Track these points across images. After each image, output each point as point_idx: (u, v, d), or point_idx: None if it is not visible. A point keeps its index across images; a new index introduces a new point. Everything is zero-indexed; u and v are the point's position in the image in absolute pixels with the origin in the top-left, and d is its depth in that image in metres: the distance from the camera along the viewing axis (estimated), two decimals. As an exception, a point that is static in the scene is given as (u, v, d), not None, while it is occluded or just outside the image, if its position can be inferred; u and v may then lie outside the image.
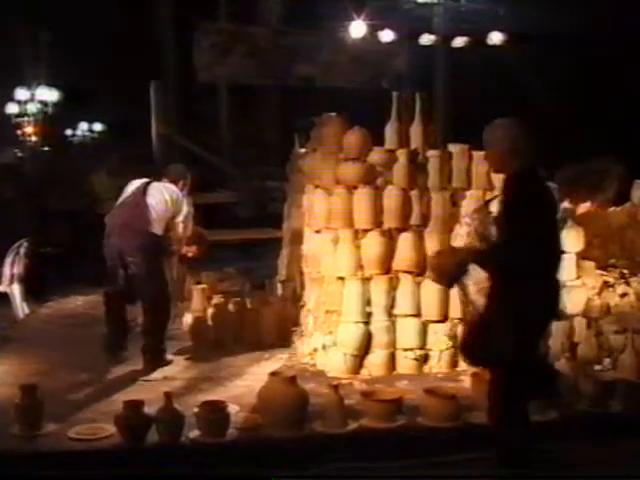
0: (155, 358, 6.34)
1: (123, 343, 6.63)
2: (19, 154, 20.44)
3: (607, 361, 6.24)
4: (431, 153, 6.61)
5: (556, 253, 4.29)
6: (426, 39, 15.30)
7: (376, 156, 6.53)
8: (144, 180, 6.65)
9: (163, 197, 6.48)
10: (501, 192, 4.31)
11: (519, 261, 3.99)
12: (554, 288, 4.26)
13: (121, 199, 6.67)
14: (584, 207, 6.99)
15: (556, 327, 6.27)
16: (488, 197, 5.80)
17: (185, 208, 6.64)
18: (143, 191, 6.49)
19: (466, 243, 5.21)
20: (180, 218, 6.60)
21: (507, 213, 4.12)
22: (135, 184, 6.65)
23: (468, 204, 6.47)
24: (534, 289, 4.05)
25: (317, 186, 6.59)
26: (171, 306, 6.75)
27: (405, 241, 6.34)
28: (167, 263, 6.99)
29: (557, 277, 4.28)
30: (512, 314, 4.08)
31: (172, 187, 6.64)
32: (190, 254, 7.51)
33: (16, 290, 8.44)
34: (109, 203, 9.73)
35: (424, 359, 6.31)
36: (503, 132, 4.26)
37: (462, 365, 6.30)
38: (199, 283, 8.11)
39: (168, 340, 6.81)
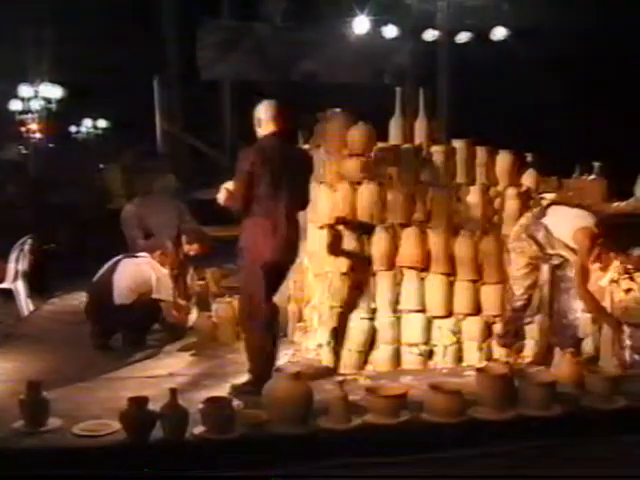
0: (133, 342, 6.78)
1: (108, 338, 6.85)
2: (23, 151, 20.43)
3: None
4: (435, 149, 6.60)
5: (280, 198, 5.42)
6: (430, 35, 15.27)
7: (380, 152, 6.53)
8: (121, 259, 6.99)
9: (126, 282, 6.79)
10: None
11: (234, 203, 5.44)
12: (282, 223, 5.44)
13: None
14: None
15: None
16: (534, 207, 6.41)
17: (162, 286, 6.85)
18: (112, 269, 6.88)
19: (530, 255, 6.08)
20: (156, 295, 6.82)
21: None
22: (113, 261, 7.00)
23: (472, 199, 6.49)
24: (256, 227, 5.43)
25: (321, 182, 6.59)
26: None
27: (409, 237, 6.34)
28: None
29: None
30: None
31: (144, 267, 6.87)
32: (192, 252, 7.57)
33: (20, 286, 8.46)
34: (121, 199, 9.77)
35: (429, 354, 6.32)
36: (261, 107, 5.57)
37: (467, 360, 6.32)
38: (203, 280, 8.12)
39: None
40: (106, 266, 6.97)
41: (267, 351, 5.61)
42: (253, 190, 5.37)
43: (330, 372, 6.02)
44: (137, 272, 6.87)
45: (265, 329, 5.58)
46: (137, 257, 7.04)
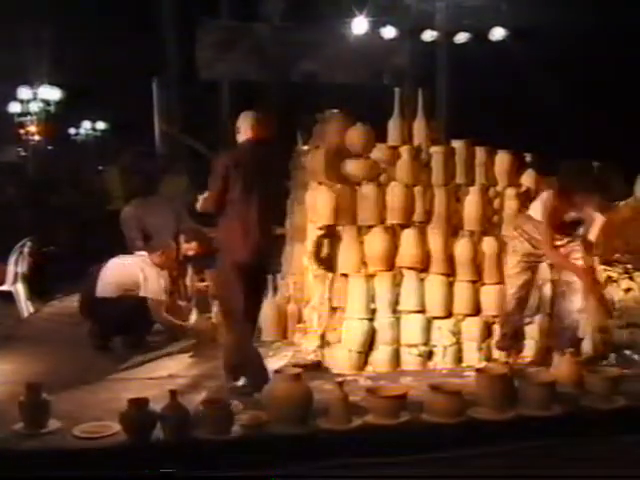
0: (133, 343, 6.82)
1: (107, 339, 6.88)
2: (22, 153, 20.47)
3: (612, 356, 6.25)
4: (434, 149, 6.60)
5: (250, 204, 5.55)
6: (428, 35, 15.26)
7: (379, 152, 6.53)
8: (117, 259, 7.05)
9: (110, 277, 6.85)
10: None
11: (210, 206, 5.62)
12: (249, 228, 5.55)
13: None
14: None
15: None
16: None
17: (155, 285, 6.85)
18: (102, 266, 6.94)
19: (523, 252, 6.10)
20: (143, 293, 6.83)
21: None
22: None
23: (471, 200, 6.49)
24: (229, 230, 5.57)
25: (320, 183, 6.60)
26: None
27: (408, 237, 6.34)
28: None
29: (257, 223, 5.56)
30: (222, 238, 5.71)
31: (131, 265, 6.90)
32: (191, 252, 7.58)
33: (20, 289, 8.46)
34: (120, 200, 9.76)
35: (428, 355, 6.32)
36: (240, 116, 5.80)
37: (466, 361, 6.33)
38: (202, 281, 8.12)
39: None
40: (100, 265, 7.00)
41: (254, 351, 5.69)
42: (227, 194, 5.55)
43: (330, 373, 6.02)
44: (123, 269, 6.90)
45: (248, 330, 5.70)
46: (130, 256, 7.06)
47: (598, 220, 6.22)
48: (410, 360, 6.28)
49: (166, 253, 7.11)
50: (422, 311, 6.32)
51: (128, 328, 6.81)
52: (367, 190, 6.39)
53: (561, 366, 5.53)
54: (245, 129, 5.73)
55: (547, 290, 6.39)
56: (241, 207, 5.55)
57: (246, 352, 5.62)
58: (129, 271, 6.86)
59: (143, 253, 7.07)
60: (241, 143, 5.77)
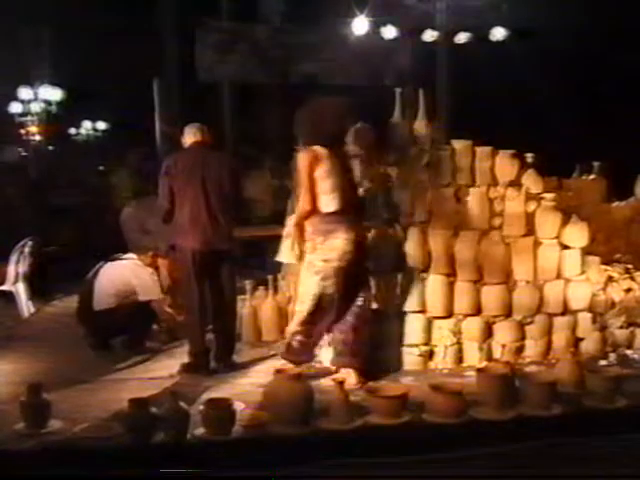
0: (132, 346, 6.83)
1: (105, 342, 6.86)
2: (23, 153, 20.46)
3: (612, 356, 6.25)
4: (435, 149, 6.59)
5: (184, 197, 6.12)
6: (429, 35, 15.26)
7: (380, 153, 6.53)
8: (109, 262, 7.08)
9: (104, 288, 6.85)
10: None
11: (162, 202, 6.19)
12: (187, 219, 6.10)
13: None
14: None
15: (560, 322, 6.33)
16: None
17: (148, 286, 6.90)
18: (95, 274, 6.95)
19: None
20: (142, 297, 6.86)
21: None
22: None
23: (472, 200, 6.48)
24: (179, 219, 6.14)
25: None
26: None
27: (410, 237, 6.33)
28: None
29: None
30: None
31: (123, 272, 6.91)
32: None
33: (21, 289, 8.47)
34: (125, 201, 9.79)
35: (429, 355, 6.31)
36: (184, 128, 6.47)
37: (467, 361, 6.32)
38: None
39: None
40: (92, 271, 6.98)
41: (198, 332, 6.17)
42: (174, 192, 6.14)
43: (331, 373, 6.01)
44: (117, 277, 6.88)
45: (197, 314, 6.15)
46: (120, 260, 7.04)
47: None
48: (411, 360, 6.27)
49: (157, 255, 7.10)
50: (423, 311, 6.31)
51: (128, 332, 6.80)
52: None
53: (562, 366, 5.53)
54: (189, 137, 6.37)
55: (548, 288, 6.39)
56: (187, 200, 6.10)
57: (190, 331, 6.25)
58: (122, 278, 6.85)
59: (133, 256, 7.05)
60: (183, 148, 6.42)
